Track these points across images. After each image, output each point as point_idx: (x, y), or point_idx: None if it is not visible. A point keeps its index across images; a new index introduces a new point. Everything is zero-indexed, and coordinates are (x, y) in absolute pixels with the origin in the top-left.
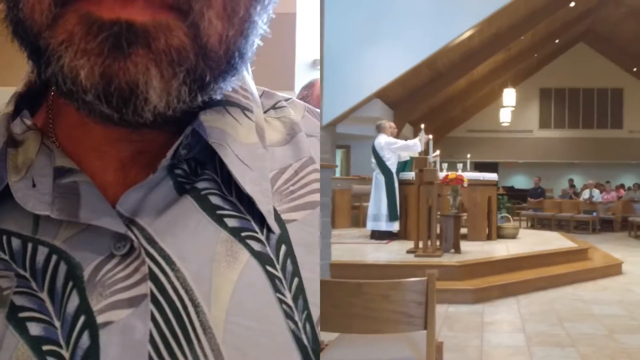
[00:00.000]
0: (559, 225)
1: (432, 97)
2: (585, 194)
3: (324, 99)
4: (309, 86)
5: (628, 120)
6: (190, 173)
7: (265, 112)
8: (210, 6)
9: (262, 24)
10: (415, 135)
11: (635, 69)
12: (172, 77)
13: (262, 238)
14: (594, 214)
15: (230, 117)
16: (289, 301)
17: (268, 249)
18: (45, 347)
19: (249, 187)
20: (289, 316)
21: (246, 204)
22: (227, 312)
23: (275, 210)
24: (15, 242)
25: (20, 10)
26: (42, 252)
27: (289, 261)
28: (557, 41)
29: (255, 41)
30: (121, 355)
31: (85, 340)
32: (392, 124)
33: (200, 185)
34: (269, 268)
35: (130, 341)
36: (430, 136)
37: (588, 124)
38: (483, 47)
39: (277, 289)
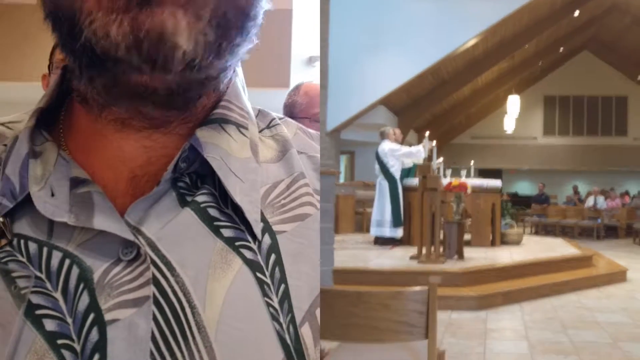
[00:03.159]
0: (563, 231)
1: (436, 104)
2: (590, 201)
3: (329, 105)
4: (295, 90)
5: (632, 127)
6: (191, 186)
7: (260, 131)
8: None
9: None
10: (419, 142)
11: (639, 77)
12: (198, 19)
13: (254, 247)
14: (599, 220)
15: (226, 134)
16: (276, 305)
17: (259, 257)
18: (59, 341)
19: (239, 197)
20: (274, 318)
21: (240, 215)
22: (220, 313)
23: (267, 221)
24: (32, 246)
25: None
26: (57, 256)
27: (277, 269)
28: (561, 49)
29: (261, 12)
30: (126, 349)
31: (94, 335)
32: (397, 131)
33: (200, 198)
34: (258, 275)
35: (134, 337)
36: (434, 142)
37: (592, 131)
38: (487, 55)
39: (265, 294)
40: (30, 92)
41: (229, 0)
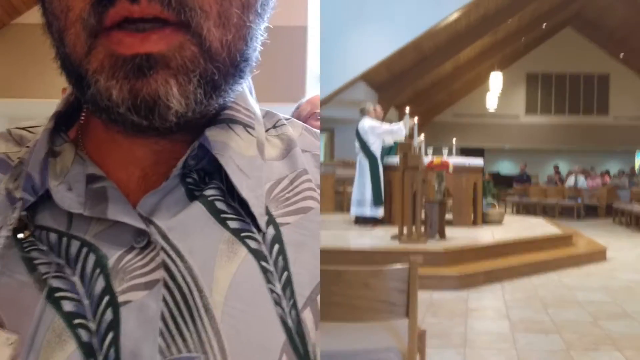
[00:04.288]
0: (544, 211)
1: (417, 80)
2: (570, 180)
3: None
4: (296, 108)
5: (614, 106)
6: (199, 181)
7: (266, 130)
8: (207, 18)
9: (260, 32)
10: (400, 119)
11: (621, 55)
12: (188, 83)
13: (259, 238)
14: (579, 200)
15: (233, 133)
16: (278, 291)
17: (263, 247)
18: (76, 321)
19: (245, 192)
20: (277, 303)
21: (246, 208)
22: (226, 297)
23: (271, 214)
24: (53, 236)
25: (66, 46)
26: (75, 244)
27: (280, 258)
28: (544, 25)
29: (258, 47)
30: (137, 328)
31: (108, 315)
32: (377, 107)
33: (208, 192)
34: (262, 263)
35: (145, 317)
36: (416, 119)
37: (574, 110)
38: (470, 30)
39: (268, 281)
40: (49, 109)
41: (218, 60)
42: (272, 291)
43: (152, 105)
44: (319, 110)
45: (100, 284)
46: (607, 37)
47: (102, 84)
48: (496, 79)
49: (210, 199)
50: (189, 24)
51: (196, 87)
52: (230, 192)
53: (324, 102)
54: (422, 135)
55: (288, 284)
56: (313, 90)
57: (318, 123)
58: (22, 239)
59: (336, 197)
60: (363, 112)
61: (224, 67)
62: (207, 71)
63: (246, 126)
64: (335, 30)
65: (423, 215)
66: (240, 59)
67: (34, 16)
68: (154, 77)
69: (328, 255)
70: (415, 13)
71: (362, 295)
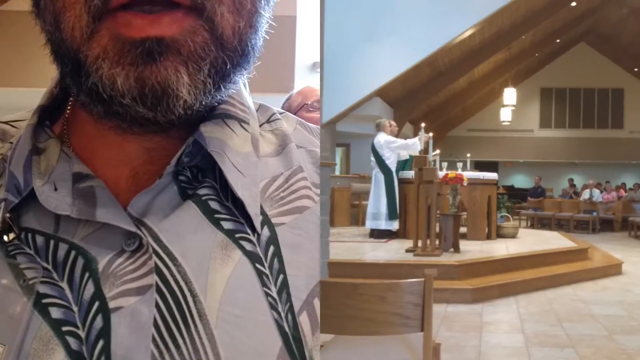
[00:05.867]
0: (559, 224)
1: (432, 96)
2: (586, 194)
3: (324, 97)
4: (287, 99)
5: (629, 120)
6: (192, 179)
7: (260, 125)
8: (221, 2)
9: (267, 19)
10: (415, 134)
11: (636, 69)
12: (198, 72)
13: (253, 239)
14: (594, 213)
15: (228, 129)
16: (274, 294)
17: (258, 249)
18: (64, 328)
19: (241, 191)
20: (273, 307)
21: (240, 208)
22: (220, 302)
23: (266, 214)
24: (39, 239)
25: (62, 30)
26: (63, 248)
27: (275, 260)
28: (558, 41)
29: (263, 34)
30: (129, 335)
31: (99, 322)
32: (393, 123)
33: (201, 191)
34: (258, 266)
35: (137, 323)
36: (431, 134)
37: (589, 124)
38: (484, 46)
39: (264, 284)
40: (34, 99)
41: (229, 48)
42: (267, 295)
43: (160, 95)
44: (310, 102)
45: (89, 290)
46: (621, 52)
47: (106, 72)
48: (510, 95)
49: (203, 198)
50: (202, 8)
51: (206, 76)
52: (224, 191)
53: (340, 117)
54: (438, 151)
55: (284, 287)
56: (305, 81)
57: (311, 115)
58: (6, 242)
59: (352, 211)
60: (378, 127)
61: (235, 56)
62: (217, 60)
63: (241, 121)
64: (351, 47)
65: (438, 229)
66: (249, 48)
67: (19, 3)
68: (163, 64)
69: (343, 268)
70: (430, 30)
71: (377, 308)
